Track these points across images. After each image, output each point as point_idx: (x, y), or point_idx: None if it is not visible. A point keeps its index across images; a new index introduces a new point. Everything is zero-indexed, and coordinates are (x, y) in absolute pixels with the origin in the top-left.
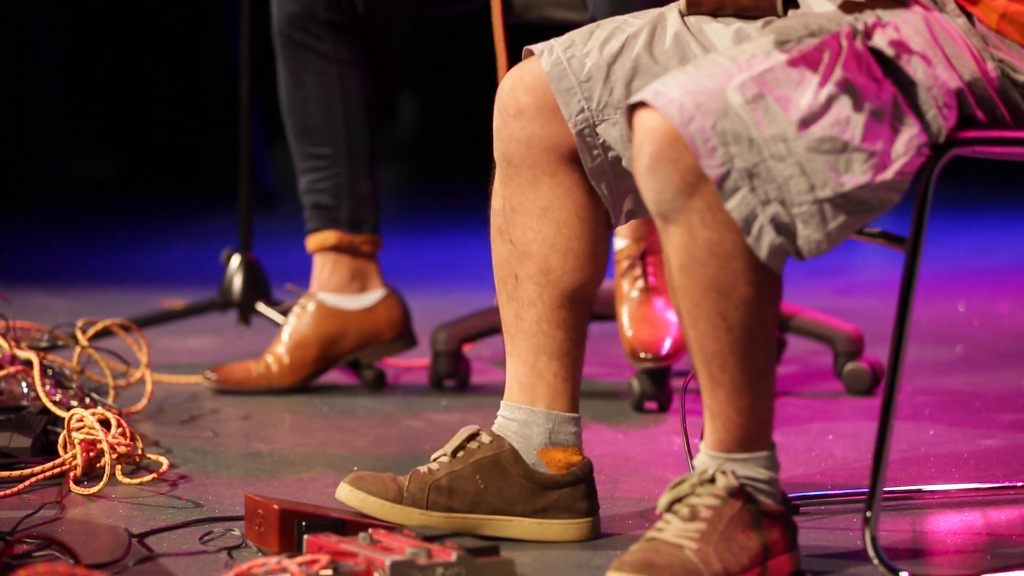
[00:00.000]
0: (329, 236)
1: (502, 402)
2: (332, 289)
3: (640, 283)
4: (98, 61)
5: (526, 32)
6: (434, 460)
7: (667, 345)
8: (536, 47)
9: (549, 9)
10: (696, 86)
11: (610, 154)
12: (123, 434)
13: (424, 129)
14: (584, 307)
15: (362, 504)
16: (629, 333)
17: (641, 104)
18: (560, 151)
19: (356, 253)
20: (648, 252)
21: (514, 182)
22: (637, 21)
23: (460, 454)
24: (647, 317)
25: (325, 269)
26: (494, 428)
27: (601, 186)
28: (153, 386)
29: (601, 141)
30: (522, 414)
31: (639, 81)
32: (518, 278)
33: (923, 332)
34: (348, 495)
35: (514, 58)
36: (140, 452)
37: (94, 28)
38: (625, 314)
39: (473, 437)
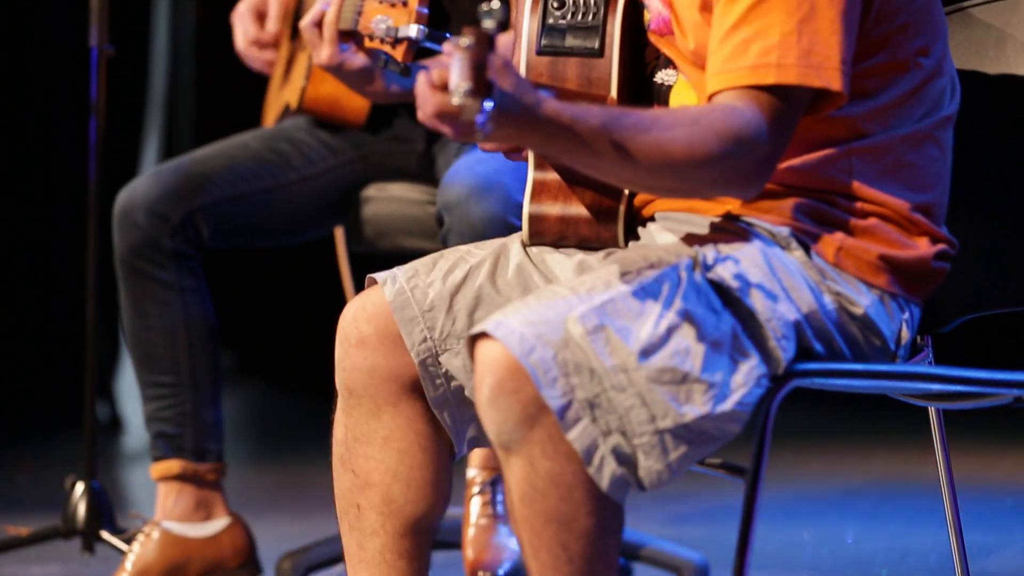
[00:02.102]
0: (173, 465)
1: None
2: (177, 518)
3: (488, 510)
4: None
5: (373, 259)
6: None
7: (505, 566)
8: (379, 276)
9: (402, 238)
10: (537, 317)
11: (452, 384)
12: None
13: (269, 353)
14: (427, 536)
15: None
16: (471, 555)
17: (482, 335)
18: (402, 381)
19: (201, 482)
20: (498, 480)
21: (356, 412)
22: (480, 251)
23: None
24: (490, 542)
25: (170, 498)
26: None
27: (444, 415)
28: None
29: (444, 371)
30: None
31: (482, 311)
32: (360, 508)
33: (768, 559)
34: None
35: (359, 286)
36: None
37: None
38: (470, 538)
39: None
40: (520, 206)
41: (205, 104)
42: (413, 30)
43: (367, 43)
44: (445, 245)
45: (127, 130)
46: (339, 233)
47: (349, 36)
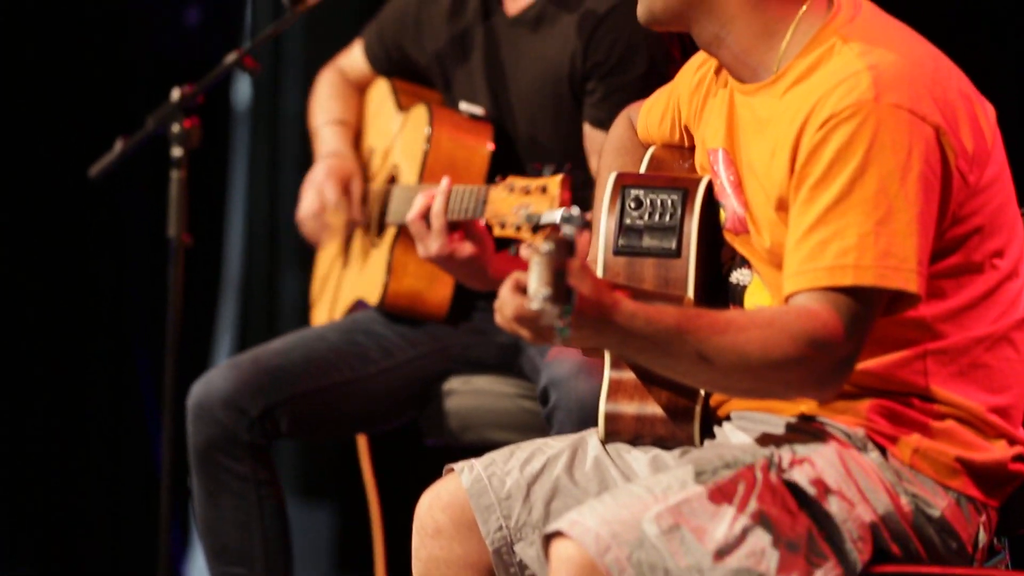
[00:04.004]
0: None
1: None
2: None
3: None
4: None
5: (436, 453)
6: None
7: None
8: (456, 465)
9: (490, 431)
10: (612, 516)
11: (526, 573)
12: None
13: (343, 542)
14: None
15: None
16: None
17: (558, 533)
18: (478, 569)
19: None
20: None
21: None
22: (557, 443)
23: None
24: None
25: None
26: None
27: None
28: None
29: (518, 560)
30: None
31: (559, 502)
32: None
33: None
34: None
35: (433, 477)
36: None
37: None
38: None
39: None
40: None
41: (278, 295)
42: (558, 215)
43: (497, 231)
44: (550, 423)
45: (200, 319)
46: (362, 442)
47: (462, 226)
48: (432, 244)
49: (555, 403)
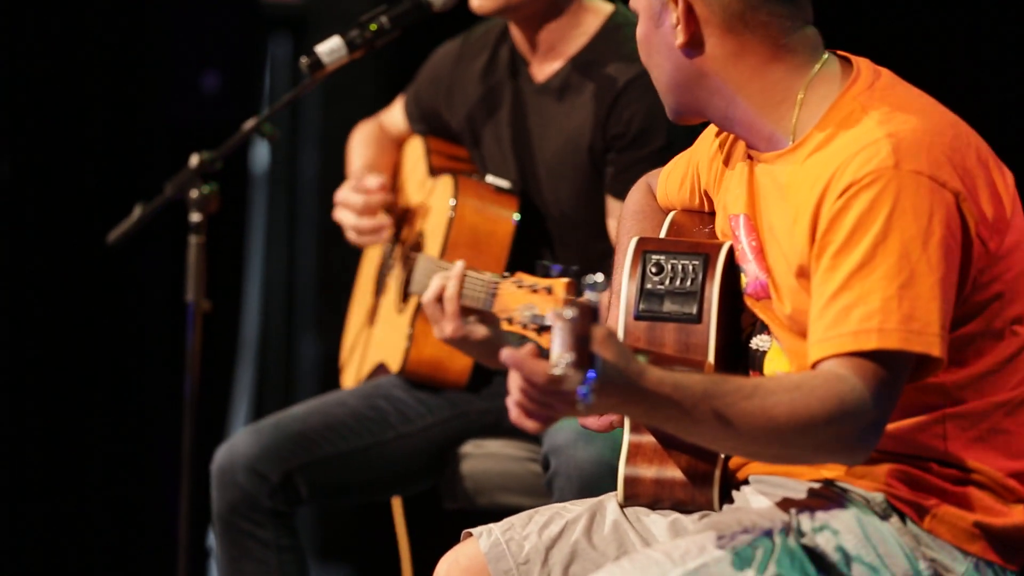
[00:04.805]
0: None
1: None
2: None
3: None
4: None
5: (453, 518)
6: None
7: None
8: (475, 529)
9: (500, 494)
10: None
11: None
12: None
13: None
14: None
15: None
16: None
17: None
18: None
19: None
20: None
21: None
22: (576, 507)
23: None
24: None
25: None
26: None
27: None
28: None
29: None
30: None
31: (577, 567)
32: None
33: None
34: None
35: (451, 542)
36: None
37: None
38: None
39: None
40: None
41: (296, 359)
42: None
43: (505, 326)
44: (550, 490)
45: (218, 383)
46: (396, 503)
47: (474, 312)
48: (446, 327)
49: (555, 470)
